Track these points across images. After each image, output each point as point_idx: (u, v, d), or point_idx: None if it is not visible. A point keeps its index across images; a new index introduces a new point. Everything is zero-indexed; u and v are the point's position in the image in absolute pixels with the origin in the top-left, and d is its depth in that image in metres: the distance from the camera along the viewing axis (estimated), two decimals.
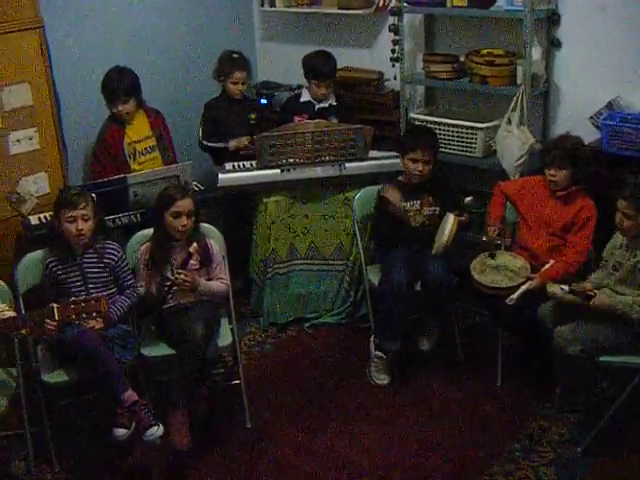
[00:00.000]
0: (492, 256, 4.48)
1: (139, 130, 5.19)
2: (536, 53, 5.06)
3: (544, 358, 4.34)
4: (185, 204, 4.33)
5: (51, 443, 4.23)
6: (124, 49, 5.64)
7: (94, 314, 3.67)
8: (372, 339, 4.84)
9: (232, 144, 5.46)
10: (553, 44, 5.18)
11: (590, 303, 3.94)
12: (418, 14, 5.64)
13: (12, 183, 4.85)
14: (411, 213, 4.80)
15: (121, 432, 4.02)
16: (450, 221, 4.53)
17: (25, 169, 4.90)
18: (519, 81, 5.04)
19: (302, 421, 4.49)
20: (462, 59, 5.39)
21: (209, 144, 5.56)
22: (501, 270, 4.41)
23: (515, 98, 4.98)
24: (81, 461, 4.27)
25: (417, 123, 5.42)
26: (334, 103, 5.58)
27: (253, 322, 5.45)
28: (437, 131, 5.24)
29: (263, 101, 6.07)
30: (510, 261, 4.47)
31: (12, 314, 3.84)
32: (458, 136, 5.30)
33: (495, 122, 5.19)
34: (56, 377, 4.11)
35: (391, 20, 5.54)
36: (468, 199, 4.67)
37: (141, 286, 4.38)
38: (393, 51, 5.53)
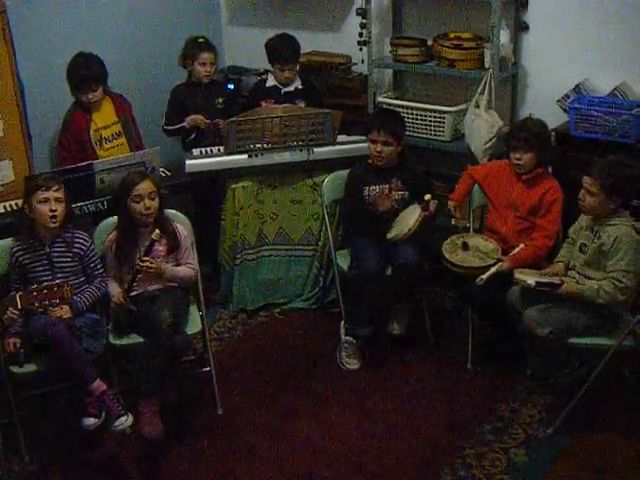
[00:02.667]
0: (465, 246, 4.48)
1: (105, 116, 5.15)
2: (504, 36, 5.04)
3: (514, 341, 4.36)
4: (145, 186, 4.30)
5: (20, 434, 4.19)
6: (88, 34, 5.57)
7: (57, 301, 3.64)
8: (342, 324, 4.84)
9: (188, 121, 5.45)
10: (521, 27, 5.18)
11: (558, 292, 3.98)
12: None
13: None
14: (380, 198, 4.79)
15: (90, 422, 4.00)
16: (415, 216, 4.55)
17: None
18: (487, 65, 5.04)
19: (273, 407, 4.48)
20: (430, 43, 5.37)
21: (169, 127, 5.54)
22: (472, 251, 4.43)
23: (483, 82, 4.98)
24: (51, 452, 4.24)
25: (385, 107, 5.40)
26: (300, 87, 5.56)
27: (222, 308, 5.43)
28: (405, 115, 5.24)
29: (230, 86, 6.02)
30: (481, 243, 4.49)
31: None
32: (426, 120, 5.29)
33: (463, 106, 5.19)
34: (24, 367, 4.06)
35: (359, 3, 5.51)
36: (427, 197, 4.64)
37: (110, 280, 4.36)
38: (360, 34, 5.50)
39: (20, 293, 3.63)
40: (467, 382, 4.58)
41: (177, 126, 5.51)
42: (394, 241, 4.59)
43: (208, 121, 5.43)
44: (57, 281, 3.96)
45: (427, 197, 4.58)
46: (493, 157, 4.97)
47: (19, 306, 3.61)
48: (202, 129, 5.45)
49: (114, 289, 4.33)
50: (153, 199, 4.32)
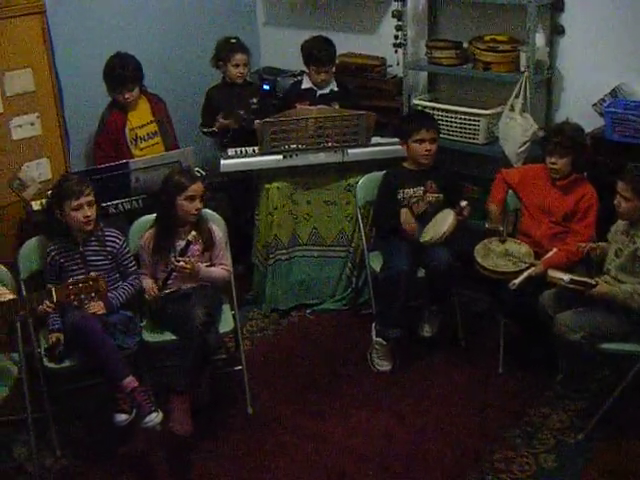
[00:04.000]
0: (503, 241, 4.48)
1: (141, 116, 5.18)
2: (540, 40, 5.03)
3: (546, 345, 4.33)
4: (198, 188, 4.35)
5: (52, 429, 4.25)
6: (125, 34, 5.61)
7: (93, 294, 3.68)
8: (374, 325, 4.84)
9: (217, 125, 5.48)
10: (557, 31, 5.15)
11: (591, 292, 3.95)
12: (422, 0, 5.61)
13: (14, 169, 4.85)
14: (414, 200, 4.79)
15: (122, 418, 4.05)
16: (449, 221, 4.55)
17: (27, 155, 4.91)
18: (522, 68, 5.01)
19: (303, 407, 4.49)
20: (465, 45, 5.36)
21: (204, 130, 5.58)
22: (505, 255, 4.41)
23: (518, 85, 4.95)
24: (82, 447, 4.29)
25: (419, 109, 5.39)
26: (335, 89, 5.56)
27: (255, 308, 5.46)
28: (440, 118, 5.23)
29: (266, 87, 6.04)
30: (513, 247, 4.47)
31: (12, 296, 3.85)
32: (461, 123, 5.27)
33: (498, 109, 5.16)
34: (58, 363, 4.11)
35: (395, 5, 5.50)
36: (463, 203, 4.64)
37: (144, 277, 4.39)
38: (396, 37, 5.49)
39: (56, 286, 3.67)
40: (497, 386, 4.56)
41: (209, 129, 5.55)
42: (427, 244, 4.59)
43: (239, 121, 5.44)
44: (92, 274, 4.00)
45: (463, 204, 4.58)
46: (527, 161, 4.94)
47: (54, 299, 3.65)
48: (235, 128, 5.47)
49: (147, 283, 4.38)
50: (202, 200, 4.37)
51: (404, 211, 4.72)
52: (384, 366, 4.77)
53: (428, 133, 4.73)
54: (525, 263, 4.32)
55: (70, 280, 3.78)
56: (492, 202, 4.72)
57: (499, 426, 4.25)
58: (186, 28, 6.10)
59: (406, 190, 4.80)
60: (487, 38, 5.18)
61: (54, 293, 3.64)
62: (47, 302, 3.71)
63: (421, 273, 4.70)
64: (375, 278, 4.90)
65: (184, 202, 4.33)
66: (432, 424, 4.30)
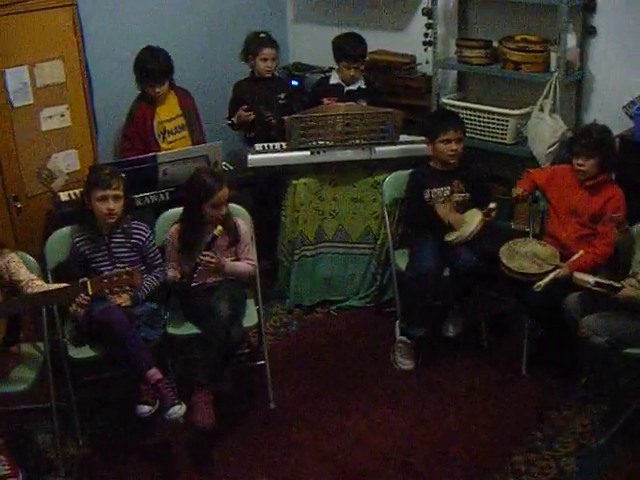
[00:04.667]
0: (528, 242, 4.47)
1: (169, 109, 5.20)
2: (571, 40, 4.99)
3: (569, 348, 4.32)
4: (223, 194, 4.34)
5: (76, 418, 4.29)
6: (155, 27, 5.62)
7: (128, 288, 3.70)
8: (397, 323, 4.85)
9: (236, 118, 5.50)
10: (588, 32, 5.12)
11: (616, 296, 3.92)
12: None
13: (43, 159, 4.88)
14: (441, 199, 4.78)
15: (145, 409, 4.06)
16: (476, 221, 4.54)
17: (56, 145, 4.93)
18: (552, 68, 4.99)
19: (325, 403, 4.50)
20: (495, 45, 5.33)
21: (228, 122, 5.60)
22: (530, 257, 4.40)
23: (548, 85, 4.93)
24: (105, 436, 4.33)
25: (448, 108, 5.38)
26: (363, 86, 5.55)
27: (279, 303, 5.46)
28: (468, 117, 5.23)
29: (294, 83, 6.05)
30: (539, 249, 4.45)
31: (45, 288, 3.89)
32: (489, 122, 5.26)
33: (527, 109, 5.15)
34: (82, 353, 4.17)
35: (425, 3, 5.50)
36: (492, 205, 4.62)
37: (169, 268, 4.41)
38: (426, 35, 5.49)
39: (91, 279, 3.69)
40: (520, 388, 4.54)
41: (229, 121, 5.57)
42: (453, 244, 4.58)
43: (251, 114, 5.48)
44: (127, 268, 4.02)
45: (492, 205, 4.57)
46: (555, 162, 4.92)
47: (90, 292, 3.67)
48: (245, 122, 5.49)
49: (173, 271, 4.39)
50: (227, 205, 4.38)
51: (439, 206, 4.71)
52: (407, 365, 4.77)
53: (455, 133, 4.72)
54: (551, 265, 4.30)
55: (105, 273, 3.81)
56: (517, 186, 4.71)
57: (521, 428, 4.24)
58: (216, 23, 6.11)
59: (433, 190, 4.79)
60: (518, 38, 5.16)
61: (89, 286, 3.66)
62: (82, 295, 3.74)
63: (446, 272, 4.69)
64: (400, 276, 4.89)
65: (209, 209, 4.33)
66: (453, 424, 4.30)
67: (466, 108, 5.35)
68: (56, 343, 4.24)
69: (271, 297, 5.42)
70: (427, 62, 5.61)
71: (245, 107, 5.46)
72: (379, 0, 6.08)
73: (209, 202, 4.31)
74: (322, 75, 5.93)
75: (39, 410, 4.31)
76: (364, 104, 5.40)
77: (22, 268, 4.00)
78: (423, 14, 5.49)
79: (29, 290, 3.89)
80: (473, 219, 4.58)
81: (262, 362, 4.55)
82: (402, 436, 4.23)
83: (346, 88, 5.53)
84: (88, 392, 4.42)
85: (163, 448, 4.24)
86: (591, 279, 3.97)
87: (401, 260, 4.91)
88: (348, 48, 5.43)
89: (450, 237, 4.61)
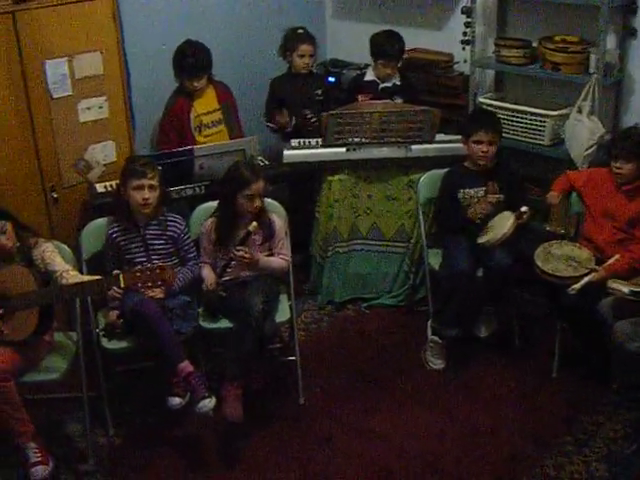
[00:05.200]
0: (564, 245, 4.43)
1: (206, 103, 5.22)
2: (611, 42, 4.96)
3: (603, 352, 4.28)
4: (258, 187, 4.35)
5: (107, 408, 4.33)
6: (194, 21, 5.63)
7: (160, 282, 3.72)
8: (429, 323, 4.84)
9: (274, 122, 5.51)
10: (629, 33, 5.07)
11: None
12: None
13: (80, 150, 4.91)
14: (475, 200, 4.76)
15: (175, 401, 4.10)
16: (509, 224, 4.50)
17: (93, 137, 4.96)
18: (592, 70, 4.95)
19: (355, 401, 4.50)
20: (534, 45, 5.29)
21: (268, 124, 5.61)
22: (565, 260, 4.36)
23: (587, 87, 4.89)
24: (135, 427, 4.37)
25: (486, 108, 5.35)
26: (398, 83, 5.53)
27: (311, 299, 5.47)
28: (505, 117, 5.19)
29: (331, 79, 6.04)
30: (574, 252, 4.42)
31: (78, 279, 3.92)
32: (526, 123, 5.22)
33: (565, 110, 5.10)
34: (115, 343, 4.20)
35: (464, 2, 5.48)
36: (524, 209, 4.59)
37: (203, 266, 4.43)
38: (464, 34, 5.46)
39: (124, 272, 3.71)
40: (551, 391, 4.52)
41: (271, 126, 5.57)
42: (485, 246, 4.55)
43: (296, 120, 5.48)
44: (153, 263, 4.03)
45: (524, 209, 4.53)
46: (592, 165, 4.88)
47: (122, 285, 3.69)
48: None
49: (207, 274, 4.41)
50: (261, 198, 4.39)
51: (472, 207, 4.70)
52: (438, 364, 4.76)
53: (486, 135, 4.68)
54: (586, 269, 4.27)
55: (138, 267, 3.83)
56: (552, 189, 4.68)
57: (551, 431, 4.22)
58: (255, 17, 6.10)
59: (467, 190, 4.77)
60: (557, 38, 5.12)
61: (122, 279, 3.68)
62: (115, 288, 3.76)
63: (480, 273, 4.66)
64: (433, 276, 4.89)
65: (243, 200, 4.35)
66: (483, 425, 4.28)
67: (503, 108, 5.32)
68: (89, 333, 4.27)
69: (303, 293, 5.43)
70: (465, 61, 5.59)
71: (280, 112, 5.47)
72: None
73: (244, 193, 4.33)
74: (358, 72, 5.91)
75: (70, 399, 4.35)
76: (399, 101, 5.38)
77: (57, 258, 4.03)
78: (462, 12, 5.46)
79: (63, 280, 3.91)
80: (506, 222, 4.54)
81: (293, 358, 4.55)
82: (431, 436, 4.22)
83: (381, 85, 5.52)
84: (119, 383, 4.45)
85: (192, 441, 4.26)
86: (626, 288, 3.95)
87: (434, 259, 4.89)
88: (385, 45, 5.41)
89: (482, 239, 4.59)
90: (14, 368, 3.82)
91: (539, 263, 4.37)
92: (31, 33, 4.54)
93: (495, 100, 5.47)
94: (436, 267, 4.83)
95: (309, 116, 5.44)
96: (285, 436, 4.25)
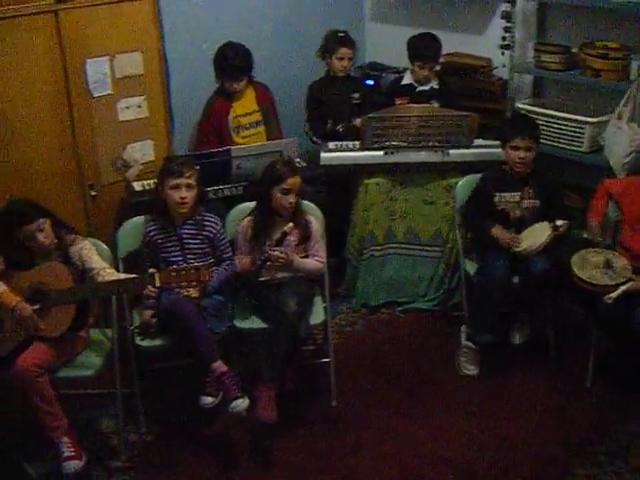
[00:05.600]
0: (608, 264, 4.38)
1: (246, 105, 5.25)
2: None
3: (637, 362, 4.24)
4: (294, 182, 4.36)
5: (140, 405, 4.35)
6: (234, 23, 5.65)
7: (195, 283, 3.73)
8: (464, 328, 4.81)
9: (327, 129, 5.52)
10: None
11: None
12: (532, 1, 5.51)
13: (119, 149, 4.95)
14: (510, 205, 4.73)
15: (208, 400, 4.10)
16: (545, 235, 4.48)
17: (132, 136, 5.02)
18: (632, 76, 4.91)
19: (387, 405, 4.49)
20: (574, 50, 5.25)
21: (312, 137, 5.61)
22: (602, 268, 4.32)
23: (627, 93, 4.84)
24: (167, 425, 4.39)
25: (523, 114, 5.31)
26: (436, 86, 5.52)
27: (345, 302, 5.46)
28: (543, 123, 5.15)
29: (369, 82, 6.04)
30: (611, 260, 4.36)
31: (120, 275, 3.98)
32: (565, 129, 5.18)
33: (605, 117, 5.05)
34: (149, 341, 4.22)
35: (504, 6, 5.44)
36: (559, 222, 4.55)
37: (239, 260, 4.43)
38: (504, 38, 5.44)
39: (160, 272, 3.74)
40: (584, 399, 4.47)
41: (315, 140, 5.57)
42: (521, 254, 4.53)
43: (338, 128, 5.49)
44: (194, 263, 4.05)
45: (559, 223, 4.50)
46: (631, 172, 4.83)
47: (158, 284, 3.72)
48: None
49: (240, 258, 4.42)
50: (297, 195, 4.39)
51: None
52: (471, 370, 4.74)
53: (523, 141, 4.64)
54: (623, 277, 4.23)
55: (174, 266, 3.85)
56: (593, 216, 4.62)
57: (584, 440, 4.18)
58: (295, 19, 6.12)
59: (503, 194, 4.74)
60: (598, 44, 5.07)
61: (157, 279, 3.71)
62: (150, 287, 3.79)
63: (515, 279, 4.63)
64: (469, 281, 4.86)
65: (278, 194, 4.36)
66: (516, 433, 4.25)
67: (541, 114, 5.28)
68: (124, 330, 4.30)
69: (338, 295, 5.41)
70: (504, 66, 5.55)
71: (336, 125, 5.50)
72: (458, 2, 6.03)
73: (279, 187, 4.34)
74: (396, 75, 5.90)
75: (104, 395, 4.37)
76: (436, 105, 5.37)
77: (94, 255, 4.07)
78: (502, 17, 5.43)
79: (99, 278, 3.95)
80: (542, 232, 4.51)
81: (326, 360, 4.55)
82: (463, 442, 4.20)
83: (418, 88, 5.51)
84: (152, 380, 4.47)
85: (223, 440, 4.27)
86: None
87: (471, 265, 4.87)
88: (422, 48, 5.41)
89: (518, 248, 4.56)
90: (49, 363, 3.85)
91: (576, 270, 4.33)
92: (73, 32, 4.60)
93: (533, 106, 5.44)
94: (472, 272, 4.81)
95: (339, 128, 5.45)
96: (317, 438, 4.25)
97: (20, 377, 3.76)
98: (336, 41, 5.52)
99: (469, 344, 4.71)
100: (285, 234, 4.32)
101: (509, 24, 5.40)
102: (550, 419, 4.35)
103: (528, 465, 4.03)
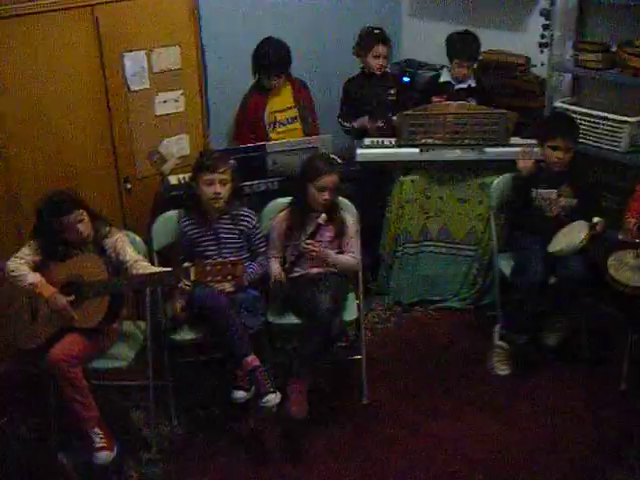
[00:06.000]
0: (638, 255, 4.34)
1: (282, 100, 5.25)
2: None
3: None
4: (331, 179, 4.36)
5: (171, 398, 4.38)
6: (272, 18, 5.65)
7: (230, 277, 3.74)
8: (497, 328, 4.78)
9: (357, 124, 5.47)
10: None
11: None
12: None
13: (155, 143, 4.97)
14: (547, 202, 4.69)
15: (240, 395, 4.13)
16: (582, 235, 4.43)
17: (168, 130, 5.02)
18: None
19: (418, 403, 4.49)
20: (614, 49, 5.20)
21: (344, 124, 5.57)
22: (638, 269, 4.28)
23: None
24: (198, 418, 4.41)
25: (563, 114, 5.26)
26: (473, 85, 5.47)
27: (378, 299, 5.45)
28: (581, 122, 5.10)
29: (405, 79, 6.00)
30: None
31: (154, 269, 4.01)
32: (603, 129, 5.13)
33: None
34: (182, 334, 4.24)
35: (543, 4, 5.40)
36: (596, 219, 4.51)
37: (272, 256, 4.44)
38: (542, 36, 5.39)
39: (195, 265, 3.75)
40: (618, 403, 4.43)
41: (347, 125, 5.54)
42: (557, 255, 4.49)
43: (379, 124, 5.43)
44: (224, 257, 4.05)
45: (596, 220, 4.46)
46: None
47: (192, 278, 3.73)
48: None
49: (274, 267, 4.42)
50: (333, 192, 4.38)
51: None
52: (503, 370, 4.71)
53: (563, 142, 4.61)
54: None
55: (209, 260, 3.86)
56: (630, 216, 4.57)
57: (616, 445, 4.14)
58: (331, 14, 6.09)
59: (539, 190, 4.71)
60: (637, 43, 5.01)
61: (192, 272, 3.72)
62: (185, 281, 3.80)
63: (552, 280, 4.58)
64: (503, 280, 4.83)
65: (314, 190, 4.37)
66: (546, 435, 4.23)
67: (579, 113, 5.22)
68: (157, 323, 4.32)
69: (370, 292, 5.39)
70: (542, 64, 5.51)
71: (369, 120, 5.44)
72: None
73: (315, 183, 4.35)
74: (433, 72, 5.87)
75: (136, 387, 4.40)
76: (473, 103, 5.34)
77: (129, 248, 4.09)
78: (541, 15, 5.38)
79: (134, 271, 3.97)
80: (579, 232, 4.47)
81: (359, 357, 4.54)
82: (493, 442, 4.18)
83: (456, 86, 5.46)
84: (185, 373, 4.49)
85: (254, 435, 4.28)
86: None
87: (505, 264, 4.83)
88: (462, 46, 5.36)
89: (554, 248, 4.52)
90: (82, 354, 3.89)
91: (612, 272, 4.29)
92: (111, 25, 4.60)
93: (572, 105, 5.38)
94: (506, 272, 4.78)
95: (379, 124, 5.41)
96: (347, 435, 4.25)
97: (53, 367, 3.80)
98: (372, 38, 5.48)
99: (502, 344, 4.69)
100: (319, 226, 4.32)
101: (548, 22, 5.34)
102: (581, 421, 4.31)
103: (560, 467, 4.00)
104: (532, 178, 4.75)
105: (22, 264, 3.95)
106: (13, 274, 3.92)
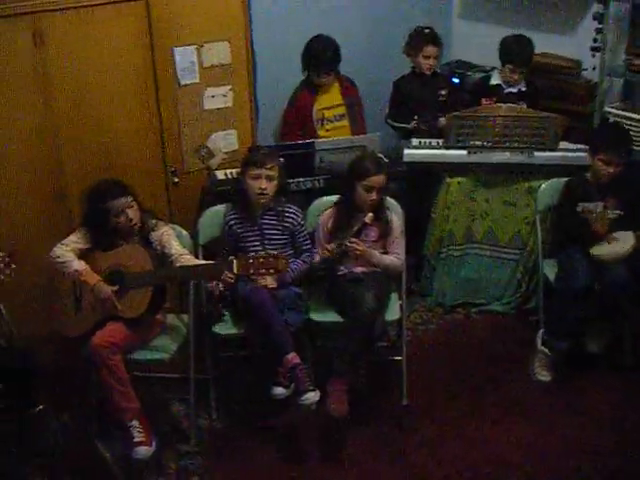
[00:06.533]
0: None
1: (330, 98, 5.25)
2: None
3: None
4: (379, 180, 4.35)
5: (212, 392, 4.40)
6: (323, 15, 5.65)
7: (272, 271, 3.75)
8: (540, 333, 4.74)
9: (412, 124, 5.43)
10: None
11: None
12: (625, 3, 5.38)
13: (203, 137, 4.99)
14: (593, 215, 4.63)
15: (279, 391, 4.11)
16: (628, 244, 4.40)
17: (216, 125, 5.04)
18: None
19: (457, 405, 4.47)
20: None
21: (393, 123, 5.55)
22: None
23: None
24: (237, 413, 4.43)
25: (611, 118, 5.21)
26: (523, 89, 5.43)
27: (420, 300, 5.43)
28: (632, 128, 5.04)
29: (455, 80, 5.98)
30: None
31: (198, 262, 4.05)
32: None
33: None
34: (225, 329, 4.26)
35: (596, 7, 5.34)
36: None
37: (319, 253, 4.44)
38: (595, 40, 5.34)
39: (238, 258, 3.77)
40: None
41: (401, 125, 5.51)
42: (602, 262, 4.45)
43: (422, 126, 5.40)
44: (274, 252, 4.07)
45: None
46: None
47: (235, 271, 3.75)
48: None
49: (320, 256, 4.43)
50: (380, 192, 4.38)
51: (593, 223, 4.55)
52: (544, 376, 4.67)
53: (615, 156, 4.55)
54: None
55: (252, 254, 3.88)
56: None
57: None
58: (382, 14, 6.08)
59: (585, 204, 4.64)
60: None
61: (235, 265, 3.74)
62: (227, 273, 3.82)
63: (597, 286, 4.53)
64: (547, 286, 4.80)
65: (361, 190, 4.36)
66: (584, 442, 4.19)
67: (630, 119, 5.17)
68: (200, 317, 4.35)
69: (413, 293, 5.38)
70: (594, 68, 5.45)
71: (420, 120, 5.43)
72: (548, 1, 5.93)
73: (363, 182, 4.34)
74: (483, 74, 5.84)
75: (177, 380, 4.42)
76: (524, 107, 5.29)
77: (174, 241, 4.12)
78: (594, 19, 5.33)
79: (178, 263, 4.00)
80: (625, 241, 4.42)
81: (399, 357, 4.53)
82: (531, 448, 4.16)
83: (506, 90, 5.42)
84: (226, 368, 4.52)
85: (292, 432, 4.30)
86: None
87: (550, 270, 4.80)
88: (516, 51, 5.30)
89: (597, 252, 4.47)
90: (123, 343, 3.93)
91: None
92: (162, 20, 4.63)
93: (622, 110, 5.33)
94: (550, 277, 4.74)
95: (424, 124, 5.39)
96: (386, 436, 4.25)
97: (94, 353, 3.84)
98: (422, 38, 5.46)
99: (545, 350, 4.65)
100: (365, 224, 4.32)
101: (601, 25, 5.29)
102: (620, 430, 4.27)
103: (598, 477, 3.96)
104: (579, 190, 4.69)
105: (68, 251, 4.01)
106: (59, 260, 3.98)
